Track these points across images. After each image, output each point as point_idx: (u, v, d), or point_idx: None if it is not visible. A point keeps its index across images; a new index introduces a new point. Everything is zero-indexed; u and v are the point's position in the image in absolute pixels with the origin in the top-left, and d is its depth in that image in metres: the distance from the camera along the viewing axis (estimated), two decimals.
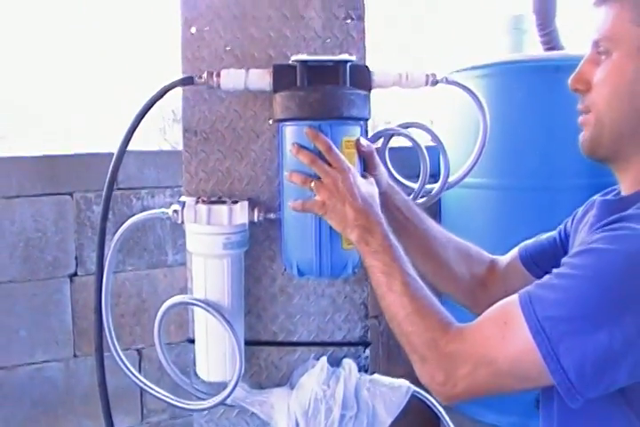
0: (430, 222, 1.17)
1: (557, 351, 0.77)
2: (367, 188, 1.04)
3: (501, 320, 0.84)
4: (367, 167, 1.13)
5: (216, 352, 1.24)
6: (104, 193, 1.20)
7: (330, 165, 1.03)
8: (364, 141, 1.10)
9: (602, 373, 0.76)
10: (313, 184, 1.03)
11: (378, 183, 1.12)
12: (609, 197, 0.95)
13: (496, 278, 1.16)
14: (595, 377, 0.76)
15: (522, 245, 1.18)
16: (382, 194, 1.12)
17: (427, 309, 0.93)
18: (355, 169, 1.05)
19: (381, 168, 1.16)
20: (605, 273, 0.77)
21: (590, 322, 0.76)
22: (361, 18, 1.24)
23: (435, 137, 1.22)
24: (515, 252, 1.18)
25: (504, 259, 1.20)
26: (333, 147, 1.03)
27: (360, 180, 1.04)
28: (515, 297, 0.84)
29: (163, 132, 2.68)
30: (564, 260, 0.84)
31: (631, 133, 0.89)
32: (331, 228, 1.06)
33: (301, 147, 1.05)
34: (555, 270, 0.83)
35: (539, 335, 0.78)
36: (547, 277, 0.83)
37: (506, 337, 0.82)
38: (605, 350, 0.75)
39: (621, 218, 0.82)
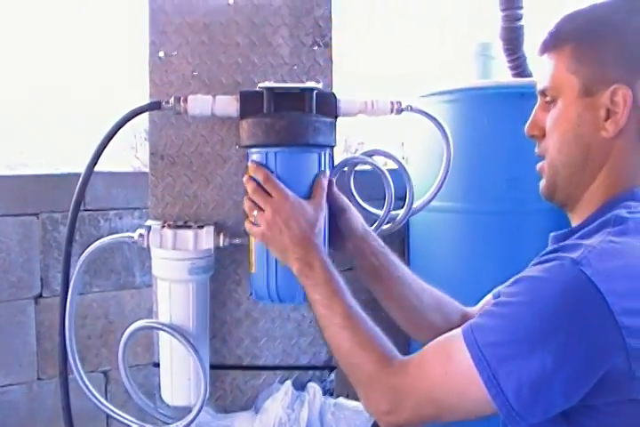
0: (406, 271, 1.17)
1: (498, 376, 0.79)
2: (308, 216, 1.04)
3: (444, 353, 0.85)
4: (335, 209, 1.14)
5: (180, 376, 1.23)
6: (70, 215, 1.20)
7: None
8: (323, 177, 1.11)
9: (537, 395, 0.78)
10: (255, 213, 1.05)
11: (350, 227, 1.14)
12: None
13: None
14: (531, 399, 0.78)
15: (495, 291, 1.19)
16: (357, 238, 1.14)
17: (369, 342, 0.94)
18: (294, 198, 1.05)
19: (352, 211, 1.16)
20: (537, 300, 0.80)
21: (523, 346, 0.79)
22: (328, 45, 1.25)
23: (399, 164, 1.23)
24: (488, 298, 1.19)
25: (477, 308, 1.20)
26: (271, 177, 1.05)
27: (300, 208, 1.04)
28: (458, 330, 0.85)
29: (134, 151, 2.67)
30: (503, 289, 0.86)
31: (580, 174, 0.93)
32: None
33: (250, 177, 1.07)
34: (494, 300, 0.86)
35: (480, 363, 0.80)
36: (486, 308, 0.86)
37: (449, 372, 0.84)
38: (539, 372, 0.77)
39: (557, 249, 0.86)
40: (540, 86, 0.96)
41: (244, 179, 1.08)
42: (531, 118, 0.98)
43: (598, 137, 0.90)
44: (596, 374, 0.78)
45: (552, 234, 0.98)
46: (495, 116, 1.82)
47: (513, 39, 2.22)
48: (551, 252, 0.86)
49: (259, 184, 1.05)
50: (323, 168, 1.10)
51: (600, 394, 0.79)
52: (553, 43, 0.94)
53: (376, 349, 0.93)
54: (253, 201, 1.06)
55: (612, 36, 0.89)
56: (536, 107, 0.98)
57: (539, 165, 0.99)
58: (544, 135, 0.96)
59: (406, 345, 1.46)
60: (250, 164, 1.08)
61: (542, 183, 0.99)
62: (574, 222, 0.97)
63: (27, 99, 2.31)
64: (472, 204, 1.89)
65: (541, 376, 0.77)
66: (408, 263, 2.32)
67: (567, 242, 0.87)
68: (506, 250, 1.78)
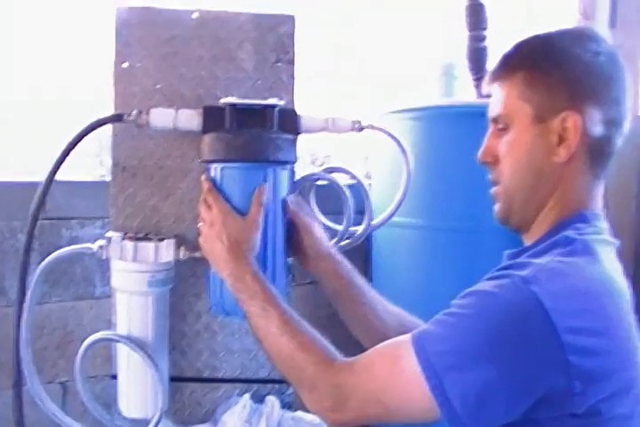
0: (369, 293, 1.19)
1: (444, 384, 0.80)
2: (239, 232, 1.07)
3: (392, 356, 0.87)
4: (299, 232, 1.16)
5: (138, 388, 1.23)
6: (29, 224, 1.20)
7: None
8: (291, 203, 1.14)
9: (482, 405, 0.80)
10: (200, 226, 1.08)
11: (313, 248, 1.16)
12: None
13: None
14: (476, 409, 0.80)
15: None
16: (321, 260, 1.16)
17: (309, 344, 0.96)
18: (229, 213, 1.07)
19: (316, 232, 1.17)
20: (486, 314, 0.82)
21: (470, 357, 0.81)
22: (291, 62, 1.27)
23: (358, 181, 1.24)
24: None
25: None
26: (213, 189, 1.08)
27: (233, 224, 1.06)
28: (407, 335, 0.87)
29: (99, 158, 2.65)
30: (454, 301, 0.88)
31: (534, 198, 0.96)
32: None
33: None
34: (444, 310, 0.87)
35: (428, 370, 0.81)
36: (436, 316, 0.87)
37: (395, 375, 0.85)
38: (484, 383, 0.79)
39: (508, 266, 0.89)
40: (492, 114, 0.98)
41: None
42: (483, 146, 1.00)
43: (550, 162, 0.93)
44: (539, 390, 0.80)
45: (506, 252, 1.01)
46: (457, 134, 1.85)
47: (478, 59, 2.27)
48: (503, 268, 0.89)
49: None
50: (281, 184, 1.11)
51: (542, 408, 0.82)
52: (504, 71, 0.97)
53: (317, 350, 0.95)
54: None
55: (560, 65, 0.92)
56: (488, 134, 1.00)
57: (493, 191, 1.01)
58: (497, 162, 0.98)
59: None
60: (203, 176, 1.09)
61: (497, 208, 1.01)
62: (527, 242, 0.99)
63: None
64: (433, 220, 1.91)
65: (486, 388, 0.79)
66: (370, 278, 2.33)
67: (518, 260, 0.90)
68: (465, 267, 1.80)
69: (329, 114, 1.19)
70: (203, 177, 1.10)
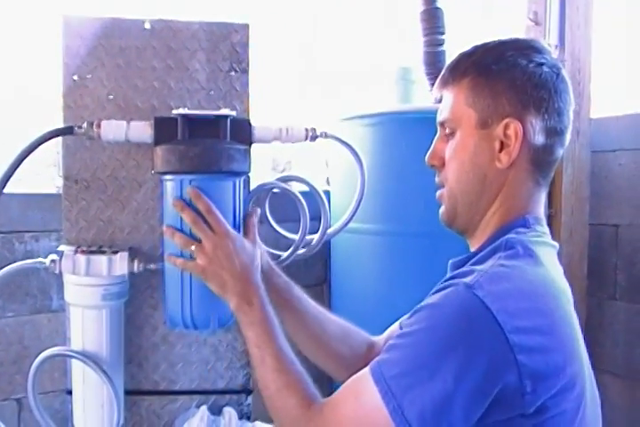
0: (310, 303, 1.20)
1: (402, 406, 0.81)
2: (248, 252, 1.06)
3: (354, 393, 0.87)
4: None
5: (93, 403, 1.21)
6: None
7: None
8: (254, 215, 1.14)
9: (440, 419, 0.81)
10: (194, 248, 1.04)
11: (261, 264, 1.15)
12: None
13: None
14: (434, 424, 0.80)
15: (402, 318, 1.22)
16: (263, 275, 1.14)
17: (294, 385, 0.96)
18: (234, 233, 1.06)
19: (262, 248, 1.18)
20: (434, 325, 0.83)
21: (425, 371, 0.81)
22: (245, 71, 1.27)
23: (314, 190, 1.24)
24: (395, 326, 1.21)
25: (384, 336, 1.23)
26: (213, 209, 1.05)
27: (240, 245, 1.05)
28: (366, 368, 0.87)
29: (57, 168, 2.61)
30: (404, 321, 0.90)
31: (478, 202, 0.98)
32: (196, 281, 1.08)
33: (187, 204, 1.05)
34: (396, 334, 0.88)
35: (386, 395, 0.82)
36: (390, 341, 0.88)
37: (357, 410, 0.85)
38: (440, 393, 0.80)
39: (453, 276, 0.90)
40: (439, 118, 1.01)
41: (177, 206, 1.06)
42: (431, 149, 1.02)
43: (493, 167, 0.96)
44: (492, 392, 0.81)
45: (451, 261, 1.02)
46: (414, 139, 1.85)
47: (434, 64, 2.28)
48: (448, 279, 0.90)
49: (197, 212, 1.04)
50: (237, 195, 1.11)
51: (493, 411, 0.82)
52: (452, 76, 0.99)
53: (300, 392, 0.95)
54: (185, 232, 1.06)
55: (505, 73, 0.95)
56: (436, 138, 1.03)
57: (438, 193, 1.03)
58: (443, 165, 1.00)
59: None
60: (189, 190, 1.05)
61: (442, 210, 1.03)
62: (472, 248, 1.01)
63: None
64: (391, 225, 1.92)
65: (443, 397, 0.80)
66: (329, 285, 2.34)
67: (462, 269, 0.91)
68: (425, 271, 1.81)
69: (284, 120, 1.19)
70: (192, 192, 1.05)
